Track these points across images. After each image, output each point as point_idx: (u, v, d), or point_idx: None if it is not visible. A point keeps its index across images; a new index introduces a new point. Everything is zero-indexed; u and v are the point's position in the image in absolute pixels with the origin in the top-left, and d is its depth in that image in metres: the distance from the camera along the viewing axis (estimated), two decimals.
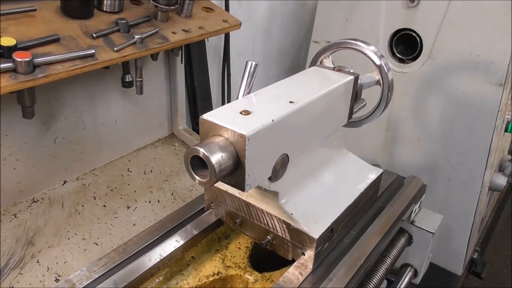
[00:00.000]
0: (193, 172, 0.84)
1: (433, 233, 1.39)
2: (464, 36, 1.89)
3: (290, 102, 0.96)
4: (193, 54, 2.02)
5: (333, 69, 1.19)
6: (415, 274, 1.48)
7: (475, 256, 2.50)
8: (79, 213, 1.48)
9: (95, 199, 1.55)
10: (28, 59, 1.08)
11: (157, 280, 1.09)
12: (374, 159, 2.24)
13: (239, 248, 1.20)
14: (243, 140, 0.81)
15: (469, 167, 2.00)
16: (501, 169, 2.38)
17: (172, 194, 1.65)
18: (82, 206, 1.51)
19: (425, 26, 1.97)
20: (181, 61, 1.86)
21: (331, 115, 1.13)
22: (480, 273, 2.52)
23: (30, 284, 1.23)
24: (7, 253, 1.29)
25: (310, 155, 1.12)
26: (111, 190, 1.60)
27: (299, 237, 1.04)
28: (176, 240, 1.11)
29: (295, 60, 2.85)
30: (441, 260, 2.20)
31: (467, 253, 2.20)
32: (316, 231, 1.02)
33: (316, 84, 1.10)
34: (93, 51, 1.22)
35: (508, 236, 3.07)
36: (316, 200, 1.11)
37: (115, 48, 1.28)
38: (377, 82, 1.24)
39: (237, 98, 1.03)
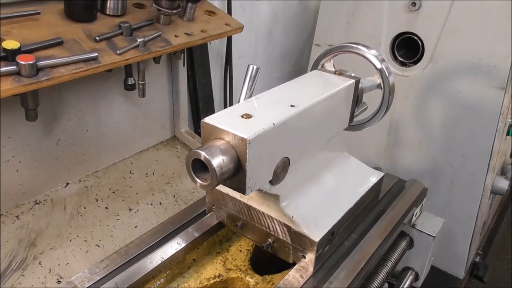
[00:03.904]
0: (194, 175, 0.85)
1: (434, 237, 1.39)
2: (465, 39, 1.89)
3: (291, 105, 0.97)
4: (196, 57, 2.03)
5: (334, 72, 1.20)
6: (416, 277, 1.48)
7: (477, 260, 2.49)
8: (81, 215, 1.48)
9: (97, 201, 1.55)
10: (31, 62, 1.09)
11: (159, 282, 1.09)
12: (376, 162, 2.24)
13: (240, 250, 1.21)
14: (244, 143, 0.82)
15: (471, 170, 2.00)
16: (503, 172, 2.38)
17: (174, 197, 1.66)
18: (84, 208, 1.51)
19: (427, 29, 1.98)
20: (184, 64, 1.86)
21: (332, 118, 1.13)
22: (483, 277, 2.52)
23: (32, 285, 1.23)
24: (10, 255, 1.29)
25: (311, 158, 1.12)
26: (113, 192, 1.61)
27: (300, 240, 1.04)
28: (178, 243, 1.12)
29: (297, 63, 2.85)
30: (443, 264, 2.20)
31: (469, 256, 2.20)
32: (317, 234, 1.03)
33: (317, 88, 1.11)
34: (96, 54, 1.23)
35: (510, 240, 3.06)
36: (317, 203, 1.12)
37: (117, 52, 1.28)
38: (378, 86, 1.24)
39: (239, 102, 1.03)
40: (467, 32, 1.88)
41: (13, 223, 1.40)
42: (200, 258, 1.18)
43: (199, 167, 0.83)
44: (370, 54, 1.20)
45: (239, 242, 1.23)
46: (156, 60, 1.64)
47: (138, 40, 1.34)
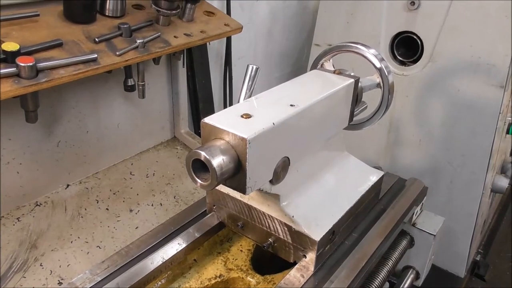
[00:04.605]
0: (194, 175, 0.85)
1: (434, 235, 1.39)
2: (465, 38, 1.89)
3: (291, 105, 0.97)
4: (195, 58, 2.03)
5: (334, 72, 1.20)
6: (417, 276, 1.48)
7: (478, 258, 2.49)
8: (82, 217, 1.48)
9: (98, 202, 1.55)
10: (31, 63, 1.09)
11: (160, 282, 1.10)
12: (376, 161, 2.24)
13: (241, 250, 1.21)
14: (244, 143, 0.82)
15: (471, 169, 2.00)
16: (503, 171, 2.39)
17: (174, 197, 1.66)
18: (85, 209, 1.51)
19: (426, 28, 1.98)
20: (183, 65, 1.87)
21: (331, 118, 1.14)
22: (484, 275, 2.52)
23: (33, 287, 1.23)
24: (11, 257, 1.30)
25: (311, 158, 1.12)
26: (114, 194, 1.61)
27: (300, 240, 1.04)
28: (179, 243, 1.12)
29: (297, 62, 2.85)
30: (443, 262, 2.20)
31: (470, 255, 2.20)
32: (317, 233, 1.03)
33: (317, 87, 1.11)
34: (96, 55, 1.23)
35: (511, 238, 3.06)
36: (317, 202, 1.12)
37: (117, 53, 1.29)
38: (378, 85, 1.24)
39: (238, 102, 1.03)
40: (466, 31, 1.89)
41: (14, 225, 1.40)
42: (201, 258, 1.18)
43: (199, 167, 0.83)
44: (369, 53, 1.20)
45: (240, 242, 1.23)
46: (156, 61, 1.64)
47: (138, 41, 1.34)
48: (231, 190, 0.91)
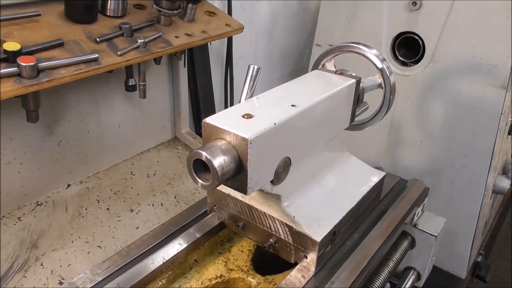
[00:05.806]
0: (195, 176, 0.85)
1: (436, 236, 1.39)
2: (466, 39, 1.89)
3: (292, 105, 0.97)
4: (196, 58, 2.03)
5: (335, 72, 1.19)
6: (418, 277, 1.48)
7: (479, 259, 2.49)
8: (82, 216, 1.48)
9: (98, 202, 1.55)
10: (32, 63, 1.09)
11: (160, 283, 1.10)
12: (377, 162, 2.24)
13: (242, 251, 1.21)
14: (245, 143, 0.82)
15: (473, 170, 2.00)
16: (504, 172, 2.38)
17: (175, 197, 1.65)
18: (86, 209, 1.51)
19: (428, 29, 1.97)
20: (184, 65, 1.86)
21: (333, 118, 1.13)
22: (485, 277, 2.51)
23: (34, 287, 1.23)
24: (12, 256, 1.30)
25: (312, 158, 1.12)
26: (115, 194, 1.61)
27: (301, 240, 1.04)
28: (179, 243, 1.12)
29: (298, 63, 2.85)
30: (444, 263, 2.20)
31: (471, 256, 2.20)
32: (318, 234, 1.03)
33: (318, 88, 1.11)
34: (97, 55, 1.23)
35: None
36: (318, 203, 1.11)
37: (118, 53, 1.28)
38: (379, 85, 1.24)
39: (240, 102, 1.03)
40: (467, 31, 1.88)
41: (14, 224, 1.40)
42: (201, 258, 1.18)
43: (201, 167, 0.83)
44: (371, 53, 1.20)
45: (241, 242, 1.23)
46: (157, 61, 1.64)
47: (139, 41, 1.34)
48: (232, 190, 0.91)
